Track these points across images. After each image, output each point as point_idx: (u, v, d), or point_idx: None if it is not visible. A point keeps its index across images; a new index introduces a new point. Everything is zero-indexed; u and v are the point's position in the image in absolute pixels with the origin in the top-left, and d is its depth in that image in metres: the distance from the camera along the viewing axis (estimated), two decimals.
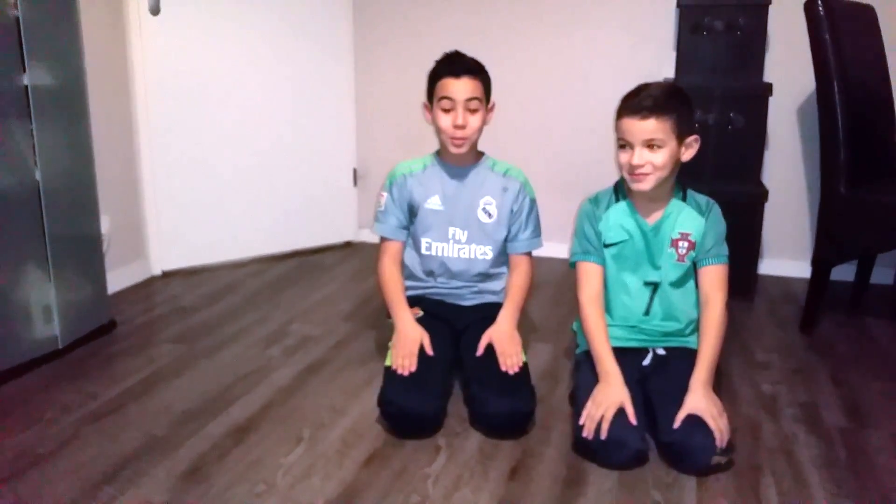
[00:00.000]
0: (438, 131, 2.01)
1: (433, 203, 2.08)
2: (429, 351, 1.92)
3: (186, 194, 3.04)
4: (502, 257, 2.13)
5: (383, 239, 2.12)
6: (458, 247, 2.09)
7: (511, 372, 1.87)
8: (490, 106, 2.03)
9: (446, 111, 1.97)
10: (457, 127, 1.96)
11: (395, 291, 2.05)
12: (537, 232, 2.13)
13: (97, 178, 2.37)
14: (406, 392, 1.79)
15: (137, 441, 1.76)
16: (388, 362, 1.93)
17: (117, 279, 2.78)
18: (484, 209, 2.07)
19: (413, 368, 1.86)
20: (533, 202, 2.12)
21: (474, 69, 1.97)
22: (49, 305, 2.19)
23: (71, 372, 2.14)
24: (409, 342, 1.92)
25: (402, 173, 2.09)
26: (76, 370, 2.15)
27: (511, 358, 1.90)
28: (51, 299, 2.19)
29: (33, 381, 2.09)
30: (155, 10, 2.82)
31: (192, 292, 2.85)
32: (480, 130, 2.02)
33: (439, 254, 2.09)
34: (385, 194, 2.10)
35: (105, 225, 2.56)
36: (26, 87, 2.06)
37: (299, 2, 3.17)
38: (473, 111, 1.97)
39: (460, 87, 1.94)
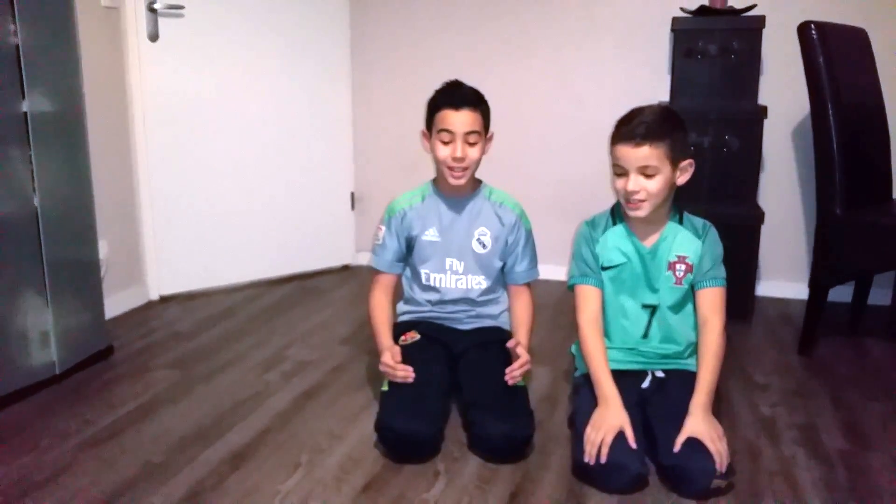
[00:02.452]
0: (436, 161, 2.02)
1: (430, 235, 2.08)
2: (415, 336, 2.04)
3: (184, 219, 3.05)
4: (497, 284, 2.14)
5: (378, 272, 2.13)
6: (455, 277, 2.10)
7: (510, 381, 1.89)
8: (489, 136, 2.04)
9: (445, 143, 1.96)
10: (455, 159, 1.96)
11: (382, 321, 2.06)
12: (534, 262, 2.14)
13: (95, 204, 2.38)
14: (403, 417, 1.78)
15: (134, 467, 1.75)
16: (384, 387, 1.93)
17: (115, 304, 2.78)
18: (478, 240, 2.07)
19: (411, 376, 1.87)
20: (529, 233, 2.12)
21: (474, 101, 1.97)
22: (47, 331, 2.19)
23: (68, 398, 2.13)
24: (393, 355, 1.93)
25: (402, 207, 2.09)
26: (73, 396, 2.15)
27: (517, 371, 1.90)
28: (48, 325, 2.19)
29: (30, 407, 2.08)
30: (153, 37, 2.85)
31: (189, 317, 2.85)
32: (479, 162, 2.02)
33: (438, 284, 2.10)
34: (383, 228, 2.11)
35: (103, 250, 2.56)
36: (25, 113, 2.07)
37: (297, 28, 3.20)
38: (472, 144, 1.96)
39: (460, 120, 1.94)
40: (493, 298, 2.15)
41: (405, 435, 1.76)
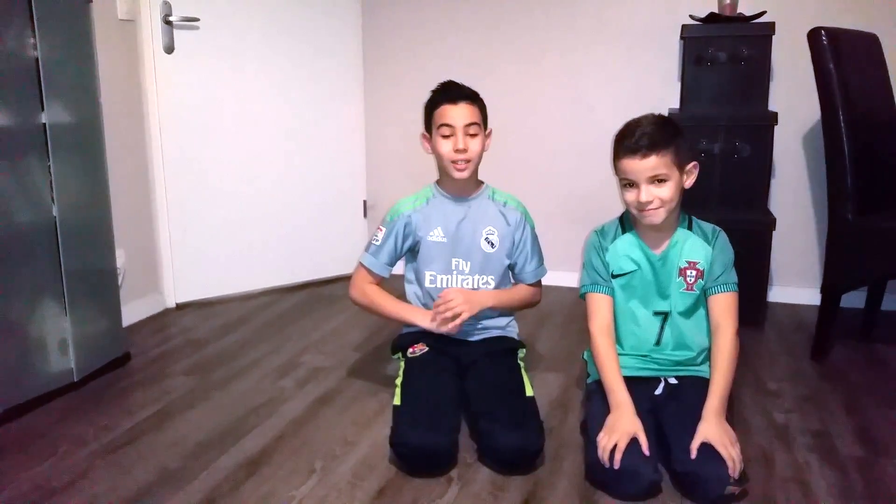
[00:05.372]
0: (439, 158, 2.06)
1: (436, 235, 2.10)
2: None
3: (200, 228, 3.08)
4: (504, 285, 2.15)
5: (366, 270, 2.16)
6: (461, 277, 2.10)
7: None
8: (487, 133, 2.08)
9: (446, 137, 2.01)
10: (458, 151, 2.00)
11: (391, 298, 2.15)
12: (542, 259, 2.19)
13: (113, 213, 2.41)
14: (419, 430, 1.75)
15: (151, 474, 1.77)
16: (396, 402, 1.91)
17: (132, 312, 2.81)
18: (487, 239, 2.10)
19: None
20: (533, 231, 2.17)
21: (471, 96, 2.04)
22: (65, 338, 2.22)
23: (86, 405, 2.16)
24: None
25: (406, 210, 2.12)
26: (91, 403, 2.17)
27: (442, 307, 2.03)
28: (66, 332, 2.22)
29: (48, 414, 2.10)
30: (169, 49, 2.89)
31: (205, 324, 2.87)
32: (480, 156, 2.06)
33: (443, 286, 2.10)
34: (384, 229, 2.14)
35: (120, 259, 2.59)
36: (44, 125, 2.11)
37: (310, 39, 3.23)
38: (473, 136, 2.01)
39: (459, 113, 2.00)
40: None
41: (422, 448, 1.73)
